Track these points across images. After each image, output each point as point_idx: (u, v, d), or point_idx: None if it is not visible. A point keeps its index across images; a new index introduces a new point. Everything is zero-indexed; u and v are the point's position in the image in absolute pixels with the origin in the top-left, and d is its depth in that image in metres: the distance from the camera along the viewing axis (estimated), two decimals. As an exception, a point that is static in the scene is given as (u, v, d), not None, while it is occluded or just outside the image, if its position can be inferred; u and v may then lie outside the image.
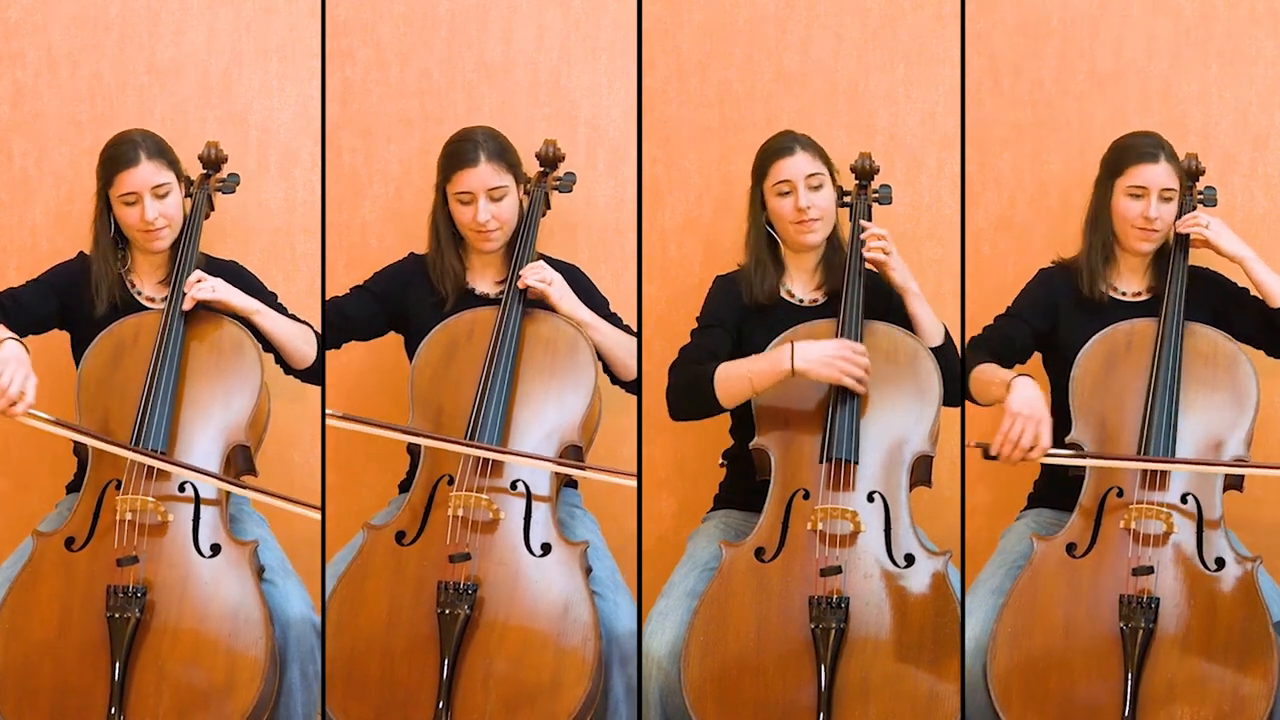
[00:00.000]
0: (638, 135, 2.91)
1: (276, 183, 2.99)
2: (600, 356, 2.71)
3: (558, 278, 2.72)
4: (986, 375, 2.62)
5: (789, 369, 2.54)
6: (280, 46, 3.00)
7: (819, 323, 2.70)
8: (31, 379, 2.50)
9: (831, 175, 2.72)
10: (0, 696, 2.46)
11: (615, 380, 2.77)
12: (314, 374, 2.76)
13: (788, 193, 2.69)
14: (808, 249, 2.73)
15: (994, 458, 2.53)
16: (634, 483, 2.68)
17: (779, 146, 2.70)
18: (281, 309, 2.78)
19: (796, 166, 2.68)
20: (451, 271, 2.76)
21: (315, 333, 2.76)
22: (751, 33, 3.00)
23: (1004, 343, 2.70)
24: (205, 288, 2.67)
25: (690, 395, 2.60)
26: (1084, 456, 2.57)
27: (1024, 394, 2.53)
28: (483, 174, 2.72)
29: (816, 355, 2.53)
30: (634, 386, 2.76)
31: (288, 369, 2.75)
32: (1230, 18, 2.94)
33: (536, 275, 2.70)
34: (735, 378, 2.57)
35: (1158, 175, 2.66)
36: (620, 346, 2.73)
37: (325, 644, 2.52)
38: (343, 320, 2.76)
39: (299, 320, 2.77)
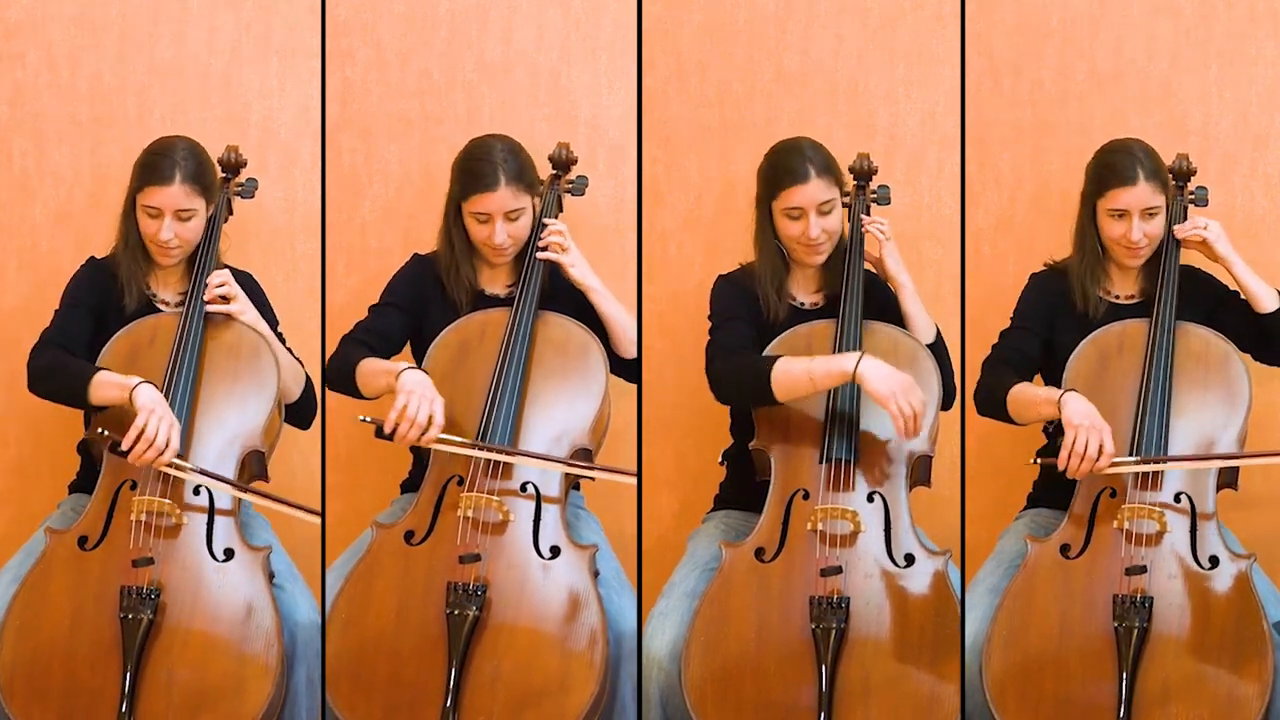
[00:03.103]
0: (638, 135, 2.91)
1: (276, 183, 2.99)
2: (605, 330, 2.72)
3: (574, 247, 2.73)
4: (1028, 395, 2.60)
5: (851, 372, 2.53)
6: (280, 46, 2.99)
7: (818, 323, 2.70)
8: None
9: (841, 192, 2.72)
10: (9, 694, 2.47)
11: (616, 365, 2.74)
12: (295, 417, 2.76)
13: (798, 218, 2.68)
14: (812, 267, 2.74)
15: (1062, 473, 2.54)
16: (634, 481, 2.70)
17: (792, 169, 2.66)
18: (280, 337, 2.77)
19: (809, 195, 2.66)
20: (466, 279, 2.75)
21: (308, 376, 2.76)
22: (751, 33, 3.00)
23: (1022, 358, 2.69)
24: (225, 293, 2.66)
25: (746, 384, 2.59)
26: (1141, 462, 2.55)
27: (1080, 406, 2.54)
28: (501, 198, 2.70)
29: (883, 373, 2.52)
30: (632, 374, 2.76)
31: None
32: (1230, 18, 2.94)
33: (555, 239, 2.71)
34: (796, 374, 2.55)
35: (1139, 197, 2.64)
36: (626, 321, 2.73)
37: (325, 643, 2.54)
38: (385, 343, 2.71)
39: (294, 357, 2.76)
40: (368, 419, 2.56)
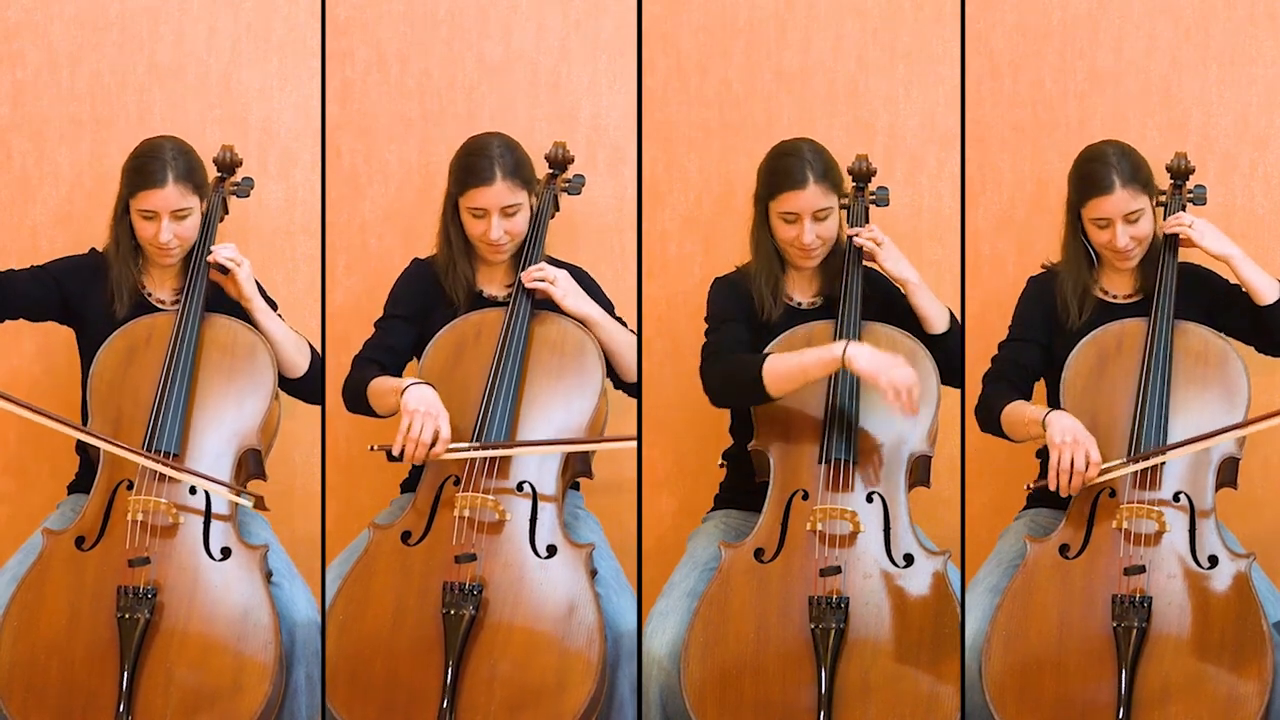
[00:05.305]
0: (638, 135, 2.91)
1: (276, 183, 2.99)
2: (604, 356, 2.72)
3: (561, 274, 2.71)
4: (1018, 414, 2.62)
5: (840, 357, 2.53)
6: (280, 46, 3.00)
7: (817, 324, 2.70)
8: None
9: (840, 197, 2.71)
10: (7, 695, 2.48)
11: (617, 383, 2.77)
12: (308, 393, 2.75)
13: (793, 222, 2.67)
14: (807, 269, 2.74)
15: (1054, 493, 2.56)
16: (634, 445, 2.68)
17: (790, 173, 2.65)
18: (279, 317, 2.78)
19: (806, 201, 2.65)
20: (464, 279, 2.75)
21: (312, 348, 2.75)
22: (751, 33, 3.00)
23: (1019, 371, 2.69)
24: (229, 257, 2.66)
25: (739, 382, 2.59)
26: (1133, 461, 2.54)
27: (1062, 424, 2.55)
28: (498, 192, 2.69)
29: (869, 352, 2.53)
30: (634, 388, 2.77)
31: (282, 382, 2.72)
32: (1230, 18, 2.94)
33: (538, 275, 2.70)
34: (788, 368, 2.56)
35: (1118, 204, 2.63)
36: (625, 345, 2.73)
37: (325, 642, 2.54)
38: (394, 357, 2.72)
39: (298, 333, 2.75)
40: (377, 447, 2.58)
